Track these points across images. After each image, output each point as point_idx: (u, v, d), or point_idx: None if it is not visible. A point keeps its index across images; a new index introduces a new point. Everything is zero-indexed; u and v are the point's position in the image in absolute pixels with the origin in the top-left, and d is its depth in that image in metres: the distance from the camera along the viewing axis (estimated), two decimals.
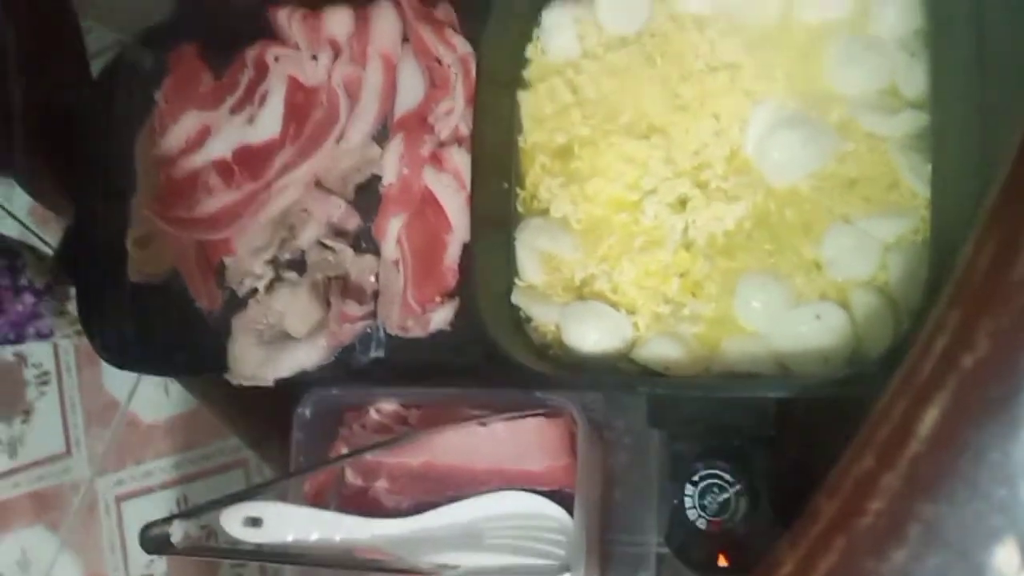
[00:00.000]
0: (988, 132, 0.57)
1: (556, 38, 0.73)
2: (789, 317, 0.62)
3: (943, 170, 0.59)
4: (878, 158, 0.62)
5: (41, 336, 1.11)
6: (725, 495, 0.64)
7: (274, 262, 0.82)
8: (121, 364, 0.90)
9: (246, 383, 0.78)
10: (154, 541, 0.72)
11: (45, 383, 1.73)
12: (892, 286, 0.61)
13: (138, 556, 1.62)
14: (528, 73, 0.75)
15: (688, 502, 0.65)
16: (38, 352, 1.73)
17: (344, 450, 0.78)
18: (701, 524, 0.64)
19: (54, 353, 1.72)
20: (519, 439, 0.73)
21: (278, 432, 0.85)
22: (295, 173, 0.81)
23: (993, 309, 0.23)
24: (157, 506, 1.57)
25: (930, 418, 0.23)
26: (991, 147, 0.57)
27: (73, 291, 1.13)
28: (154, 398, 1.59)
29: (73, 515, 1.67)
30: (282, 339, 0.78)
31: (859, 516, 0.24)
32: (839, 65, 0.64)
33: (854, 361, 0.61)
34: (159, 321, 0.88)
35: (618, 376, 0.67)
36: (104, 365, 0.91)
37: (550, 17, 0.73)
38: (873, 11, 0.63)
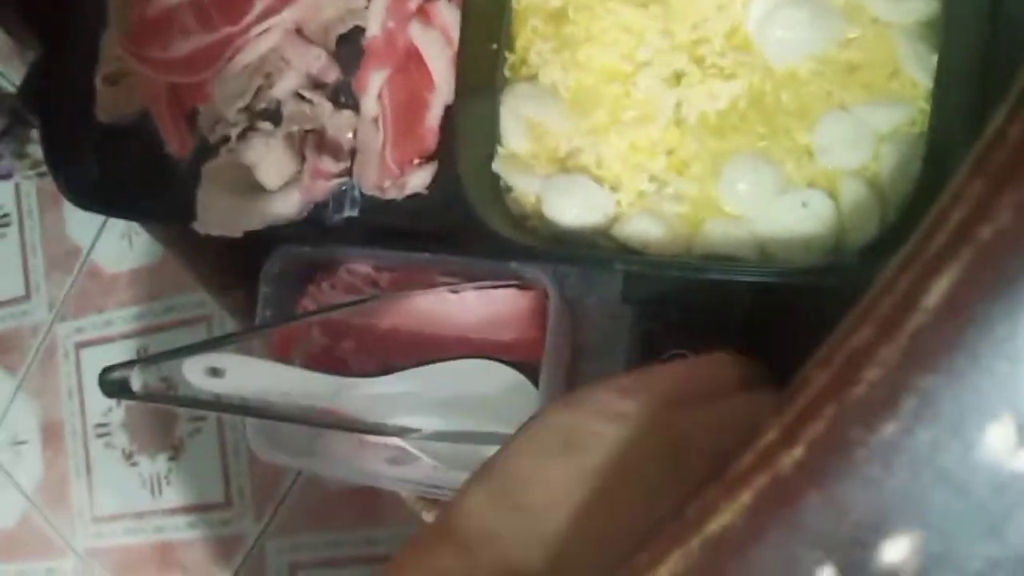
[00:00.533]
0: (997, 26, 0.56)
1: None
2: (775, 203, 0.61)
3: (948, 61, 0.57)
4: (882, 45, 0.60)
5: None
6: None
7: (248, 110, 0.79)
8: (86, 205, 0.88)
9: (214, 233, 0.76)
10: (113, 385, 0.71)
11: (5, 224, 1.70)
12: (882, 177, 0.59)
13: (95, 404, 1.62)
14: None
15: None
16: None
17: (312, 308, 0.77)
18: None
19: (15, 194, 1.68)
20: (489, 308, 0.73)
21: (245, 285, 0.84)
22: (275, 18, 0.78)
23: (1020, 179, 0.22)
24: (117, 355, 1.56)
25: (938, 289, 0.22)
26: (999, 44, 0.56)
27: (34, 133, 1.10)
28: (117, 247, 1.57)
29: (31, 359, 1.66)
30: (253, 190, 0.76)
31: (851, 386, 0.24)
32: None
33: (836, 251, 0.60)
34: (127, 163, 0.86)
35: (596, 251, 0.66)
36: (67, 210, 0.89)
37: None
38: None
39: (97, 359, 1.59)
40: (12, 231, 1.70)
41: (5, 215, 1.69)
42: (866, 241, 0.59)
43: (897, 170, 0.59)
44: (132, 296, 1.60)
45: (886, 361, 0.23)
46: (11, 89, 1.46)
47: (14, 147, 1.26)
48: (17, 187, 1.67)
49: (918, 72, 0.59)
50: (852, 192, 0.60)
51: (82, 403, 1.61)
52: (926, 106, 0.58)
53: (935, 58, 0.58)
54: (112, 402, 1.57)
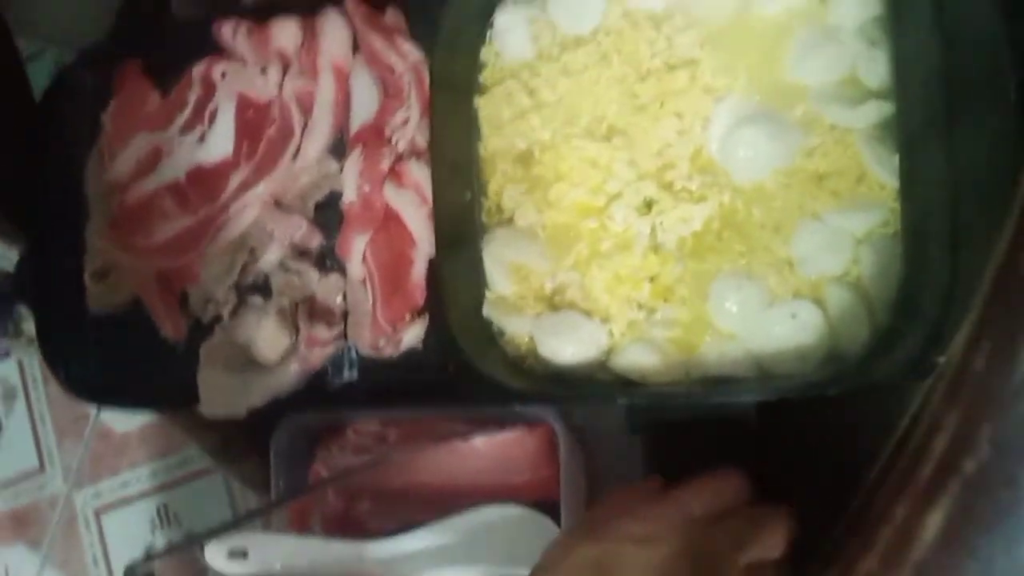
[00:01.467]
0: (953, 119, 0.57)
1: (510, 40, 0.71)
2: (764, 317, 0.62)
3: (910, 160, 0.58)
4: (844, 151, 0.61)
5: None
6: None
7: (237, 287, 0.80)
8: (88, 397, 0.88)
9: (219, 415, 0.76)
10: None
11: (12, 398, 1.70)
12: (865, 281, 0.60)
13: (122, 568, 1.60)
14: (484, 77, 0.73)
15: None
16: (2, 367, 1.70)
17: (324, 472, 0.78)
18: None
19: (18, 367, 1.69)
20: (500, 452, 0.73)
21: (255, 454, 0.84)
22: (252, 192, 0.79)
23: (993, 415, 0.22)
24: (137, 517, 1.55)
25: (934, 523, 0.23)
26: (957, 135, 0.56)
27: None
28: None
29: (53, 531, 1.65)
30: (252, 366, 0.77)
31: None
32: (799, 57, 0.63)
33: (831, 358, 0.61)
34: (124, 353, 0.86)
35: (596, 388, 0.66)
36: None
37: (503, 18, 0.72)
38: (831, 0, 0.62)
39: (118, 522, 1.58)
40: (19, 404, 1.70)
41: (11, 388, 1.70)
42: (858, 345, 0.59)
43: (879, 272, 0.60)
44: (145, 454, 1.59)
45: None
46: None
47: (9, 327, 1.27)
48: (20, 360, 1.69)
49: (883, 174, 0.60)
50: (838, 299, 0.60)
51: (109, 569, 1.60)
52: (896, 206, 0.59)
53: (897, 158, 0.59)
54: None
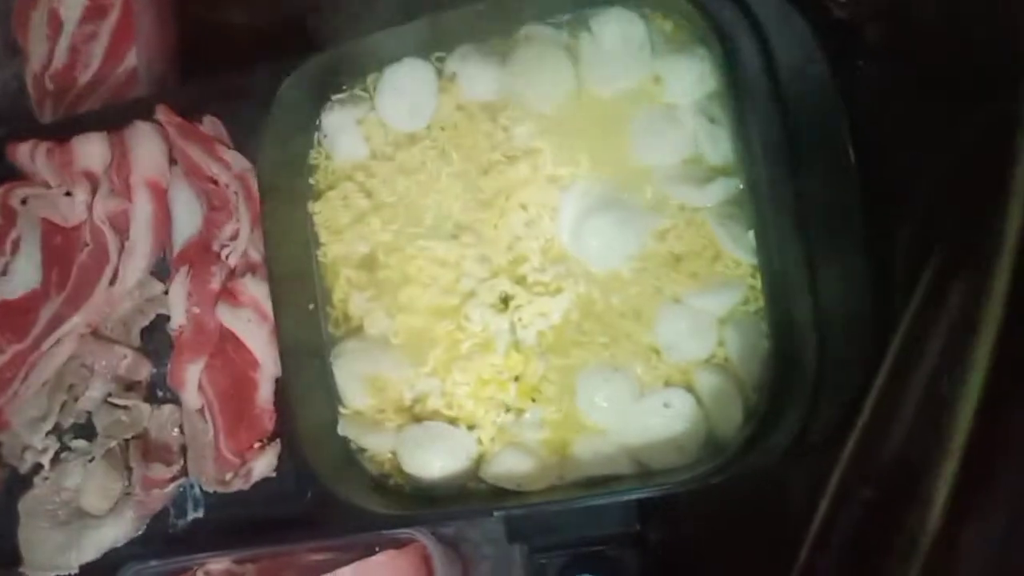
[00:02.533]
0: (800, 187, 0.56)
1: (340, 141, 0.68)
2: (636, 410, 0.60)
3: (764, 234, 0.57)
4: (697, 231, 0.60)
5: None
6: None
7: (56, 431, 0.72)
8: None
9: (48, 575, 0.68)
10: None
11: None
12: (734, 362, 0.59)
13: None
14: (316, 181, 0.69)
15: None
16: None
17: None
18: None
19: None
20: None
21: None
22: (66, 325, 0.72)
23: None
24: None
25: None
26: (806, 201, 0.56)
27: None
28: None
29: None
30: (81, 517, 0.69)
31: None
32: (641, 139, 0.61)
33: (708, 444, 0.59)
34: None
35: (469, 503, 0.62)
36: None
37: (330, 119, 0.68)
38: (665, 79, 0.61)
39: None
40: None
41: None
42: (734, 429, 0.58)
43: (746, 351, 0.58)
44: None
45: None
46: None
47: None
48: None
49: (738, 251, 0.59)
50: (708, 383, 0.58)
51: None
52: (755, 283, 0.58)
53: (751, 234, 0.58)
54: None
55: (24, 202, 0.74)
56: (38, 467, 0.72)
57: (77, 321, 0.72)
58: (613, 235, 0.61)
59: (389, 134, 0.67)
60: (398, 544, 0.68)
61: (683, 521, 0.66)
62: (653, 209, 0.61)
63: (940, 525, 0.32)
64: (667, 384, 0.60)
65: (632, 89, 0.62)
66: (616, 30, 0.61)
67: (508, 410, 0.63)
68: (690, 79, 0.60)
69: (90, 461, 0.69)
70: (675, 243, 0.60)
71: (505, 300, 0.63)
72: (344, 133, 0.67)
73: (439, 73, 0.66)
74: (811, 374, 0.55)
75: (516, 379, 0.63)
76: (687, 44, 0.61)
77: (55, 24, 0.83)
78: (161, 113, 0.71)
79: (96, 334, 0.72)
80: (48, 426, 0.71)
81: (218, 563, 0.71)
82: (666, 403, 0.59)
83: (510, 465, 0.62)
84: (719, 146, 0.60)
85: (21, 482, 0.73)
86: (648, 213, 0.60)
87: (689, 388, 0.59)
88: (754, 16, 0.58)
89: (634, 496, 0.58)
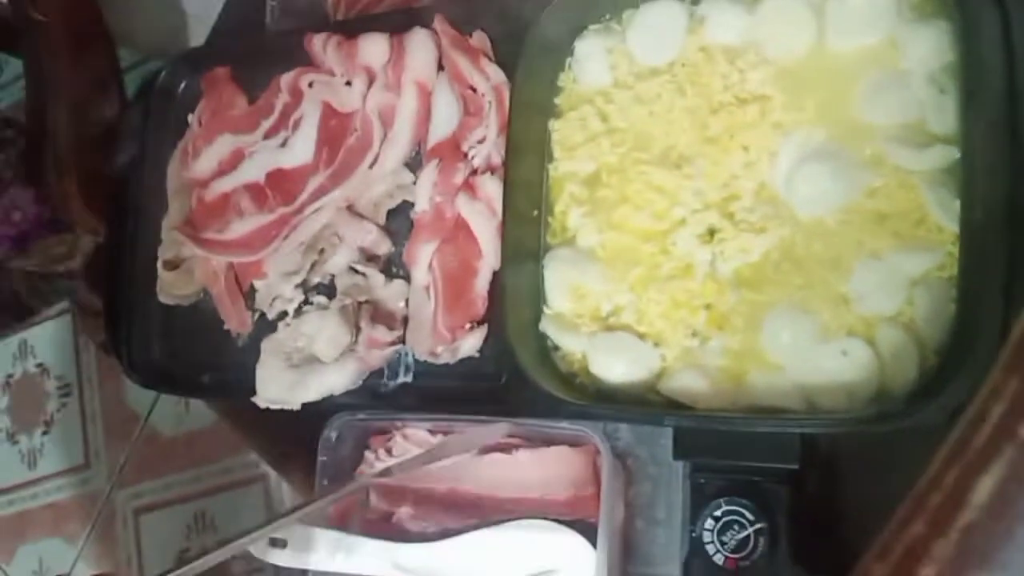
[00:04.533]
0: (1016, 170, 0.58)
1: (588, 67, 0.74)
2: (816, 352, 0.63)
3: (971, 206, 0.59)
4: (906, 193, 0.62)
5: None
6: (744, 533, 0.64)
7: (303, 285, 0.83)
8: (148, 384, 0.91)
9: (274, 406, 0.79)
10: None
11: (67, 395, 1.74)
12: (918, 323, 0.61)
13: (153, 569, 1.62)
14: (560, 101, 0.76)
15: (707, 536, 0.65)
16: (60, 364, 1.75)
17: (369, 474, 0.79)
18: (719, 559, 0.64)
19: (75, 364, 1.74)
20: (543, 467, 0.73)
21: (303, 453, 0.86)
22: (327, 197, 0.82)
23: None
24: (175, 520, 1.58)
25: (984, 487, 0.24)
26: (1020, 185, 0.57)
27: None
28: (174, 412, 1.60)
29: (91, 528, 1.68)
30: (310, 362, 0.79)
31: None
32: (869, 98, 0.64)
33: (879, 398, 0.61)
34: (187, 342, 0.89)
35: (645, 408, 0.68)
36: (126, 378, 0.92)
37: (583, 46, 0.74)
38: (903, 45, 0.64)
39: (155, 524, 1.61)
40: (73, 401, 1.75)
41: (67, 385, 1.74)
42: (907, 386, 0.60)
43: (931, 315, 0.60)
44: (189, 459, 1.62)
45: (942, 556, 0.25)
46: None
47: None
48: (78, 356, 1.73)
49: (943, 218, 0.61)
50: (890, 338, 0.61)
51: (140, 570, 1.62)
52: (954, 250, 0.60)
53: (958, 204, 0.60)
54: None
55: (310, 85, 0.85)
56: (283, 314, 0.83)
57: (337, 195, 0.82)
58: (825, 185, 0.64)
59: (634, 65, 0.73)
60: (573, 445, 0.75)
61: (842, 475, 0.68)
62: (868, 166, 0.63)
63: None
64: (850, 333, 0.62)
65: (870, 48, 0.64)
66: None
67: (695, 334, 0.67)
68: (927, 48, 0.62)
69: (327, 314, 0.79)
70: (883, 201, 0.63)
71: (711, 232, 0.68)
72: (593, 60, 0.74)
73: (690, 15, 0.71)
74: (992, 344, 0.56)
75: (707, 307, 0.67)
76: (930, 15, 0.63)
77: None
78: (438, 23, 0.80)
79: (351, 209, 0.82)
80: (299, 280, 0.82)
81: (416, 428, 0.80)
82: (845, 351, 0.62)
83: (688, 382, 0.66)
84: (944, 116, 0.62)
85: (267, 326, 0.84)
86: (863, 169, 0.63)
87: (870, 340, 0.62)
88: None
89: (798, 430, 0.62)
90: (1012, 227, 0.57)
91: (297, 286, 0.82)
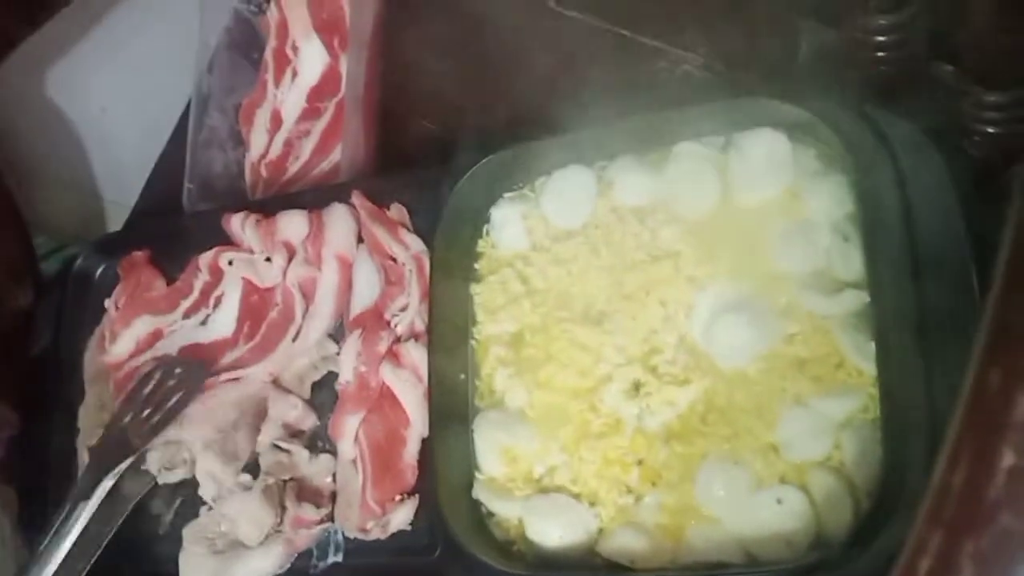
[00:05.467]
0: (924, 309, 0.59)
1: (505, 233, 0.76)
2: (750, 503, 0.62)
3: (885, 348, 0.60)
4: (823, 338, 0.63)
5: None
6: None
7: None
8: None
9: None
10: None
11: None
12: (848, 466, 0.61)
13: None
14: (480, 266, 0.77)
15: None
16: None
17: None
18: None
19: None
20: None
21: None
22: (247, 370, 0.81)
23: (973, 531, 0.24)
24: None
25: None
26: (929, 323, 0.59)
27: None
28: None
29: None
30: (235, 548, 0.76)
31: None
32: (778, 248, 0.66)
33: (817, 543, 0.61)
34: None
35: (584, 574, 0.66)
36: None
37: (499, 213, 0.76)
38: (805, 197, 0.66)
39: None
40: None
41: None
42: (844, 531, 0.59)
43: (860, 456, 0.60)
44: None
45: None
46: None
47: None
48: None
49: (860, 361, 0.62)
50: (822, 484, 0.61)
51: None
52: (875, 392, 0.61)
53: (873, 346, 0.61)
54: None
55: (230, 263, 0.85)
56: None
57: (259, 369, 0.81)
58: (743, 335, 0.65)
59: (549, 229, 0.74)
60: None
61: None
62: (784, 314, 0.65)
63: None
64: (782, 481, 0.62)
65: (773, 201, 0.67)
66: (763, 146, 0.67)
67: (630, 491, 0.67)
68: (828, 200, 0.65)
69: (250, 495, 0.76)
70: (801, 347, 0.64)
71: (637, 386, 0.68)
72: (509, 226, 0.75)
73: (599, 179, 0.73)
74: (919, 487, 0.56)
75: (639, 463, 0.67)
76: (828, 169, 0.66)
77: (276, 121, 0.96)
78: (356, 198, 0.81)
79: (275, 383, 0.81)
80: (241, 465, 0.79)
81: None
82: (779, 499, 0.61)
83: (626, 542, 0.65)
84: (850, 262, 0.64)
85: (190, 512, 0.81)
86: (779, 317, 0.65)
87: (803, 487, 0.62)
88: (892, 148, 0.63)
89: None
90: (927, 365, 0.58)
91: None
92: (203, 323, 0.86)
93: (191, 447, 0.80)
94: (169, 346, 0.86)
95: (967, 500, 0.24)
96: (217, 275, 0.86)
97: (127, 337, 0.88)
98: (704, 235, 0.68)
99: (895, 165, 0.62)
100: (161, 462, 0.81)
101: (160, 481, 0.82)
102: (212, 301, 0.86)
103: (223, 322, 0.84)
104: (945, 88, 0.66)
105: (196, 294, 0.87)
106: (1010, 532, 0.24)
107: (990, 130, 0.65)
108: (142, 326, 0.88)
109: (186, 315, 0.87)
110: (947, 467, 0.25)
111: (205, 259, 0.87)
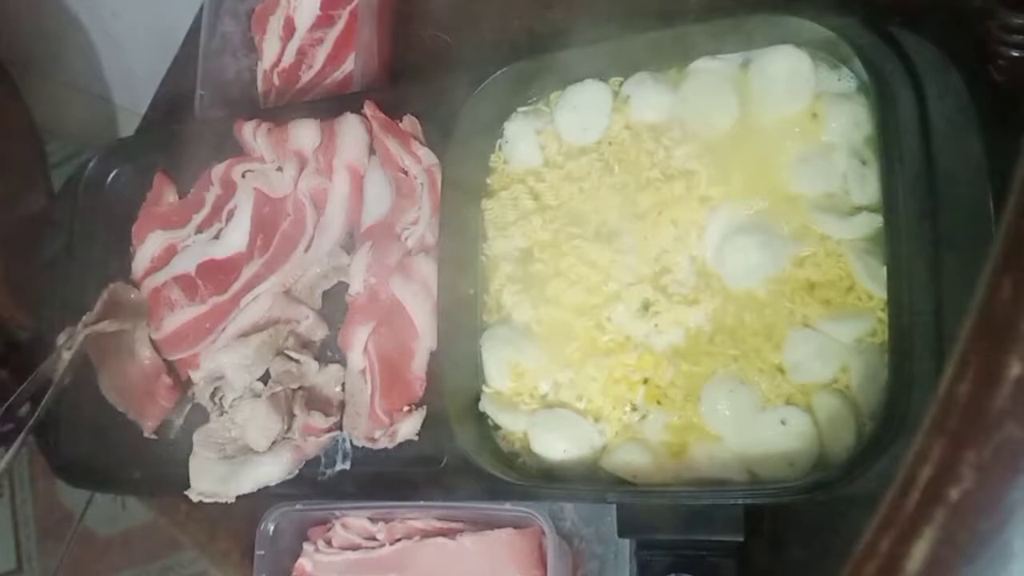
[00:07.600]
0: (937, 236, 0.59)
1: (518, 148, 0.75)
2: (755, 422, 0.63)
3: (897, 272, 0.60)
4: (834, 262, 0.63)
5: None
6: None
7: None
8: (77, 482, 0.88)
9: (207, 500, 0.76)
10: None
11: None
12: (853, 388, 0.61)
13: None
14: (492, 181, 0.76)
15: None
16: None
17: (309, 567, 0.77)
18: None
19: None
20: (489, 552, 0.72)
21: (241, 547, 0.83)
22: (264, 285, 0.81)
23: (976, 440, 0.24)
24: None
25: (919, 553, 0.23)
26: (943, 250, 0.59)
27: None
28: (110, 510, 1.55)
29: None
30: (244, 453, 0.77)
31: None
32: (794, 170, 0.65)
33: (819, 464, 0.61)
34: (117, 437, 0.87)
35: (588, 486, 0.67)
36: None
37: (512, 128, 0.75)
38: (824, 119, 0.65)
39: None
40: (4, 503, 1.68)
41: None
42: (846, 453, 0.60)
43: (866, 380, 0.61)
44: (126, 559, 1.57)
45: None
46: None
47: None
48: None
49: (871, 285, 0.62)
50: (826, 406, 0.61)
51: None
52: (884, 316, 0.61)
53: (884, 271, 0.61)
54: None
55: (243, 175, 0.85)
56: (220, 403, 0.81)
57: (274, 281, 0.81)
58: (754, 256, 0.65)
59: (562, 145, 0.74)
60: (517, 527, 0.73)
61: (788, 547, 0.68)
62: (795, 236, 0.64)
63: None
64: (788, 402, 0.63)
65: (791, 121, 0.66)
66: (784, 64, 0.66)
67: (634, 409, 0.67)
68: (847, 122, 0.64)
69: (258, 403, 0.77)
70: (812, 270, 0.63)
71: (646, 305, 0.68)
72: (522, 141, 0.75)
73: (615, 95, 0.72)
74: (924, 410, 0.56)
75: (645, 381, 0.67)
76: (849, 91, 0.65)
77: (289, 29, 0.94)
78: (368, 108, 0.80)
79: (287, 294, 0.81)
80: (259, 373, 0.80)
81: (355, 517, 0.78)
82: (783, 420, 0.62)
83: (629, 458, 0.66)
84: (866, 186, 0.63)
85: (201, 417, 0.82)
86: (790, 239, 0.64)
87: (808, 408, 0.62)
88: (915, 70, 0.62)
89: (741, 501, 0.62)
90: (938, 290, 0.58)
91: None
92: (216, 238, 0.85)
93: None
94: (183, 261, 0.86)
95: (972, 409, 0.24)
96: (229, 188, 0.85)
97: (141, 254, 0.88)
98: (719, 154, 0.67)
99: (917, 88, 0.61)
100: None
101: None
102: (225, 215, 0.85)
103: (237, 236, 0.84)
104: (971, 10, 0.65)
105: (208, 208, 0.87)
106: (1013, 441, 0.24)
107: (1015, 54, 0.63)
108: (156, 241, 0.88)
109: (199, 230, 0.87)
110: (953, 376, 0.25)
111: (217, 172, 0.86)
